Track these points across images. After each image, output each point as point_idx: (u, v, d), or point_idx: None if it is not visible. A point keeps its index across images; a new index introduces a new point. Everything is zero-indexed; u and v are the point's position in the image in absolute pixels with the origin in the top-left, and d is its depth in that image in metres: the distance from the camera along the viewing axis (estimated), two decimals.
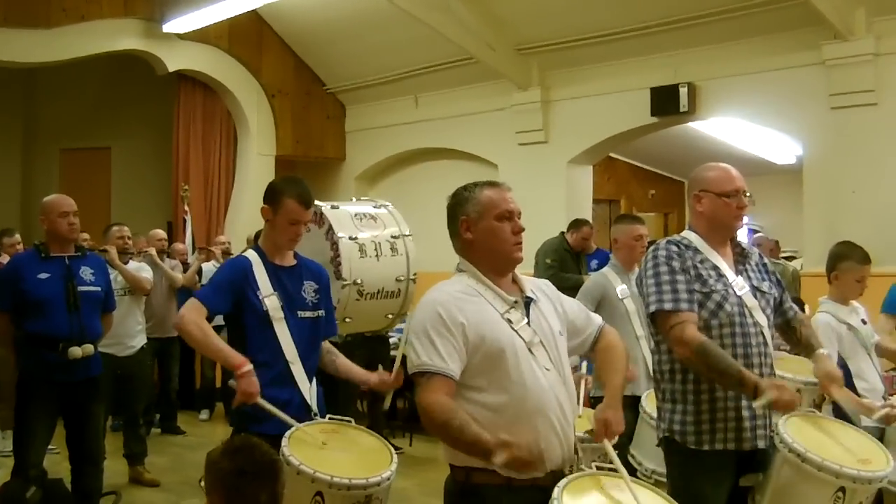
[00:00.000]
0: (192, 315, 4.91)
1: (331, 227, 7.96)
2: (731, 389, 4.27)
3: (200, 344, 4.97)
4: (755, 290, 4.47)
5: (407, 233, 8.31)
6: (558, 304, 4.04)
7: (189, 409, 12.57)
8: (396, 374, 5.02)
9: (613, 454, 3.77)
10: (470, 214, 3.85)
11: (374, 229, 8.23)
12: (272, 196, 5.13)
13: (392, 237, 8.24)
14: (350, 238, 7.87)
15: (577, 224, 11.56)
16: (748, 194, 4.48)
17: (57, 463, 7.94)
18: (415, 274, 8.31)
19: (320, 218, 8.02)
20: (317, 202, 8.26)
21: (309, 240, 7.74)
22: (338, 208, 8.24)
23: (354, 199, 9.23)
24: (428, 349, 3.65)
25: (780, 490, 4.28)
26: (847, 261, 6.21)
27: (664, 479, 4.72)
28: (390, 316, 8.42)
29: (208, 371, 12.63)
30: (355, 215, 8.25)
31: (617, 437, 3.85)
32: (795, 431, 4.28)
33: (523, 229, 3.87)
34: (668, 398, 4.52)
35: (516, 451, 3.39)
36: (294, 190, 5.11)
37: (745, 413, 4.32)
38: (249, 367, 4.77)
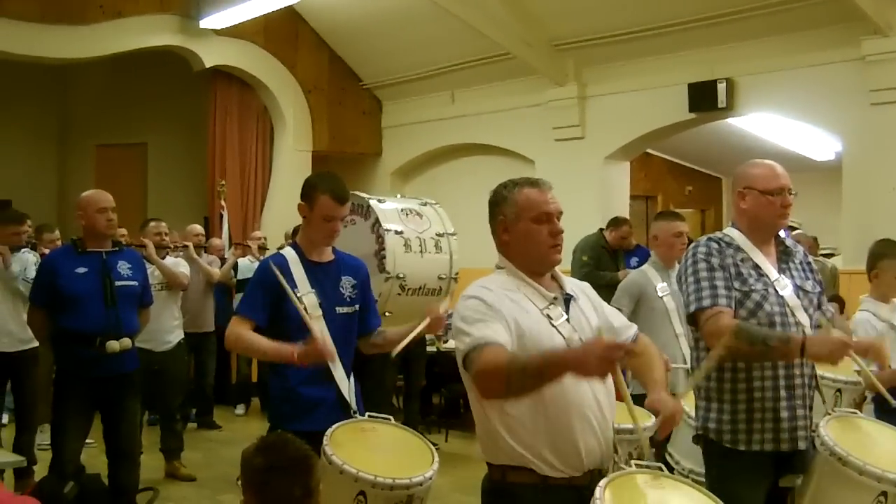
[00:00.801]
0: (233, 329, 4.96)
1: (377, 220, 7.96)
2: (781, 359, 4.24)
3: (249, 352, 5.09)
4: (798, 289, 4.42)
5: (451, 231, 8.30)
6: (598, 305, 4.01)
7: (225, 403, 12.60)
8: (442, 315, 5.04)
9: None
10: (507, 215, 3.79)
11: (420, 225, 8.24)
12: (307, 192, 5.10)
13: (437, 235, 8.24)
14: (396, 232, 7.88)
15: (616, 222, 11.51)
16: (793, 192, 4.43)
17: (94, 456, 7.96)
18: (457, 273, 8.30)
19: (367, 211, 8.03)
20: (363, 195, 8.28)
21: (354, 232, 7.79)
22: (384, 202, 8.24)
23: (400, 196, 9.24)
24: (478, 326, 3.55)
25: (820, 493, 4.25)
26: (887, 258, 6.16)
27: (702, 479, 4.68)
28: None
29: (244, 367, 12.66)
30: (402, 210, 8.26)
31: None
32: (836, 433, 4.25)
33: (562, 231, 3.80)
34: (703, 396, 4.49)
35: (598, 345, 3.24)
36: (327, 186, 5.07)
37: (784, 414, 4.29)
38: (296, 347, 4.73)
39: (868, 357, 4.65)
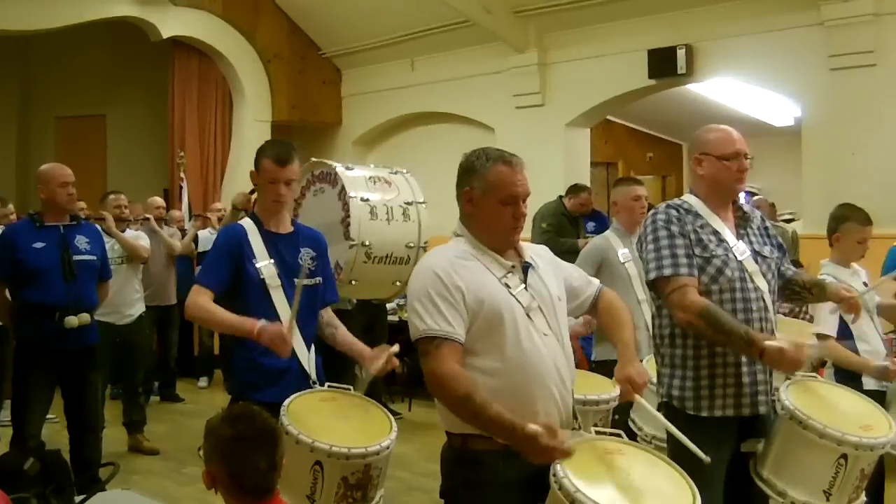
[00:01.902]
0: (193, 299, 4.89)
1: (343, 188, 7.94)
2: (737, 349, 4.24)
3: (209, 323, 5.03)
4: (756, 254, 4.43)
5: (421, 200, 8.28)
6: (557, 268, 4.01)
7: (188, 376, 12.58)
8: (389, 358, 4.94)
9: (650, 407, 3.85)
10: (474, 187, 3.76)
11: (388, 193, 8.20)
12: (255, 160, 5.12)
13: (405, 203, 8.20)
14: (362, 199, 7.85)
15: (575, 189, 11.47)
16: (749, 157, 4.43)
17: (56, 432, 7.94)
18: (426, 242, 8.28)
19: (334, 178, 8.01)
20: (332, 163, 8.27)
21: (322, 201, 7.77)
22: (353, 170, 8.22)
23: (372, 166, 9.21)
24: (433, 313, 3.59)
25: (782, 456, 4.27)
26: (848, 222, 6.16)
27: (664, 445, 4.69)
28: (398, 283, 8.38)
29: (206, 339, 12.64)
30: (370, 178, 8.22)
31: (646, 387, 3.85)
32: (797, 397, 4.27)
33: (525, 214, 3.81)
34: (667, 363, 4.49)
35: (544, 441, 3.37)
36: (271, 150, 5.09)
37: (746, 379, 4.30)
38: (261, 322, 4.72)
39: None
